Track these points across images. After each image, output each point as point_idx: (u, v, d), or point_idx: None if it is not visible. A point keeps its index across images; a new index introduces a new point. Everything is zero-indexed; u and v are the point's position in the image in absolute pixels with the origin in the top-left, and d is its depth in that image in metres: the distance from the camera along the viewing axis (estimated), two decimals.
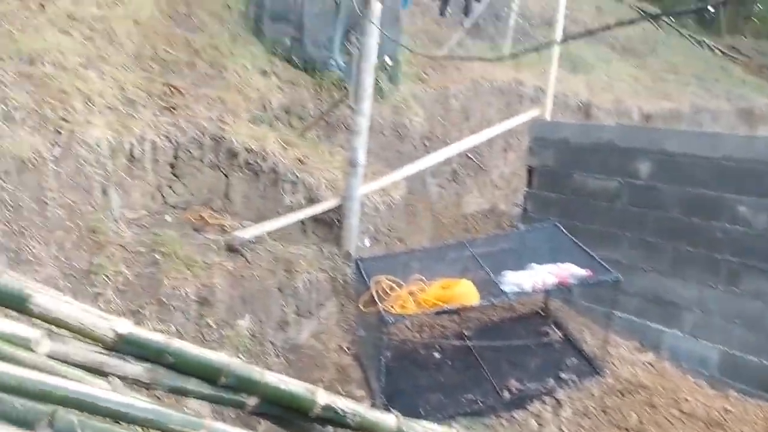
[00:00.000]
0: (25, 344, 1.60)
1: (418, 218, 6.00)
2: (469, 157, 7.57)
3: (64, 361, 1.61)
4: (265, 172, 4.60)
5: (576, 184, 5.62)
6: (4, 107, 3.58)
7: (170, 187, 4.52)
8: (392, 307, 3.22)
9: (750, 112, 12.80)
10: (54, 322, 1.69)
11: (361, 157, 4.39)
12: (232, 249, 3.90)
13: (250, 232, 4.13)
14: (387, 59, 4.73)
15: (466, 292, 3.20)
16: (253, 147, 4.53)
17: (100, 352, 1.71)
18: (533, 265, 3.46)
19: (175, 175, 4.53)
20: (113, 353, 1.68)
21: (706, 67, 14.50)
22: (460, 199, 7.59)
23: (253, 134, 4.63)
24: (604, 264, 3.55)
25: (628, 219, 5.17)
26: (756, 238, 4.35)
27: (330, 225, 4.72)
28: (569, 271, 3.42)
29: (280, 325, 3.83)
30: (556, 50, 6.05)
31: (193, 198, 4.58)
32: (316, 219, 4.70)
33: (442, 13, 8.44)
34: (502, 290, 3.30)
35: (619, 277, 3.38)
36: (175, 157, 4.49)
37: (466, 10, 8.59)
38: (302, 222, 4.67)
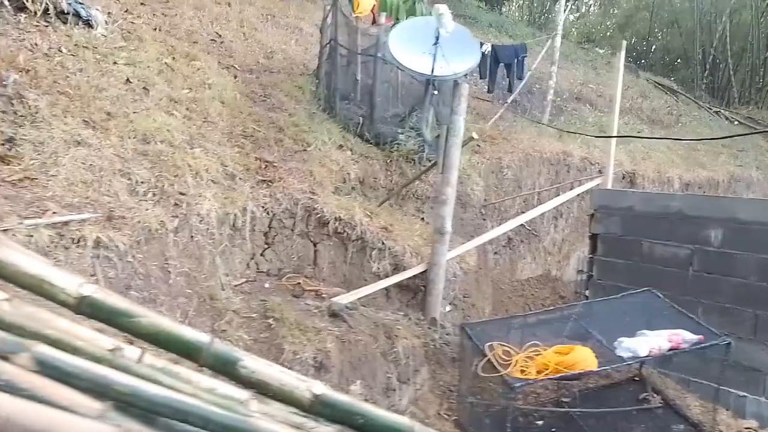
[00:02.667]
0: (239, 404, 1.72)
1: (480, 284, 6.09)
2: (523, 225, 7.74)
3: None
4: (352, 240, 4.77)
5: (644, 251, 5.74)
6: (128, 181, 3.84)
7: (263, 255, 4.69)
8: (512, 373, 3.27)
9: None
10: (257, 384, 1.80)
11: (448, 225, 4.57)
12: (334, 314, 4.01)
13: (346, 298, 4.25)
14: (474, 134, 5.01)
15: (584, 358, 3.25)
16: (342, 216, 4.73)
17: (297, 413, 1.81)
18: (645, 331, 3.52)
19: (266, 243, 4.72)
20: (309, 415, 1.79)
21: (733, 138, 14.86)
22: (514, 265, 7.70)
23: (340, 204, 4.85)
24: (711, 329, 3.60)
25: (701, 286, 5.24)
26: None
27: (413, 291, 4.83)
28: (681, 336, 3.47)
29: (385, 390, 3.87)
30: (615, 125, 6.35)
31: (283, 265, 4.74)
32: (399, 285, 4.82)
33: (490, 90, 8.89)
34: (619, 356, 3.34)
35: (731, 341, 3.42)
36: (269, 227, 4.70)
37: (510, 87, 9.04)
38: (386, 288, 4.79)
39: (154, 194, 3.86)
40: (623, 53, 6.33)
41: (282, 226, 4.73)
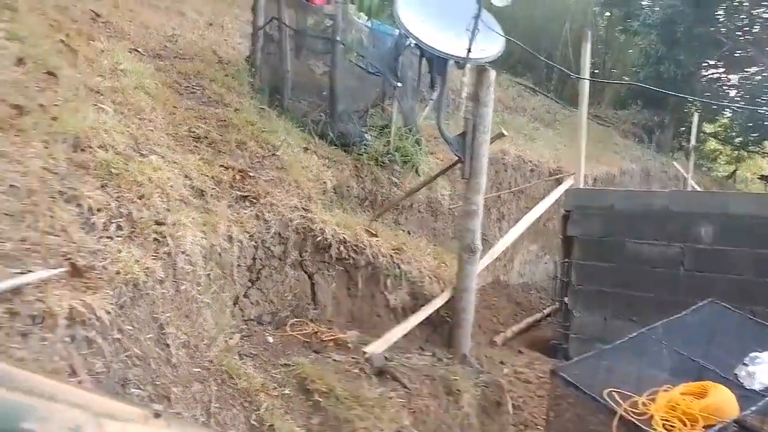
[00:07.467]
0: None
1: None
2: None
3: None
4: (359, 268, 3.81)
5: (628, 252, 5.51)
6: (77, 209, 2.50)
7: (246, 296, 3.54)
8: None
9: (648, 171, 14.36)
10: None
11: (478, 240, 3.82)
12: (379, 372, 3.05)
13: (379, 346, 3.30)
14: (503, 130, 4.27)
15: (727, 399, 2.71)
16: (347, 238, 3.75)
17: None
18: (757, 354, 3.10)
19: (250, 281, 3.57)
20: None
21: (597, 135, 16.05)
22: None
23: (340, 222, 3.85)
24: None
25: (693, 285, 5.10)
26: None
27: (434, 323, 4.01)
28: None
29: None
30: (583, 122, 6.12)
31: (275, 307, 3.62)
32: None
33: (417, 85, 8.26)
34: (752, 390, 2.86)
35: None
36: (253, 259, 3.55)
37: (432, 84, 8.52)
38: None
39: (120, 227, 2.57)
40: None
41: (270, 256, 3.61)
